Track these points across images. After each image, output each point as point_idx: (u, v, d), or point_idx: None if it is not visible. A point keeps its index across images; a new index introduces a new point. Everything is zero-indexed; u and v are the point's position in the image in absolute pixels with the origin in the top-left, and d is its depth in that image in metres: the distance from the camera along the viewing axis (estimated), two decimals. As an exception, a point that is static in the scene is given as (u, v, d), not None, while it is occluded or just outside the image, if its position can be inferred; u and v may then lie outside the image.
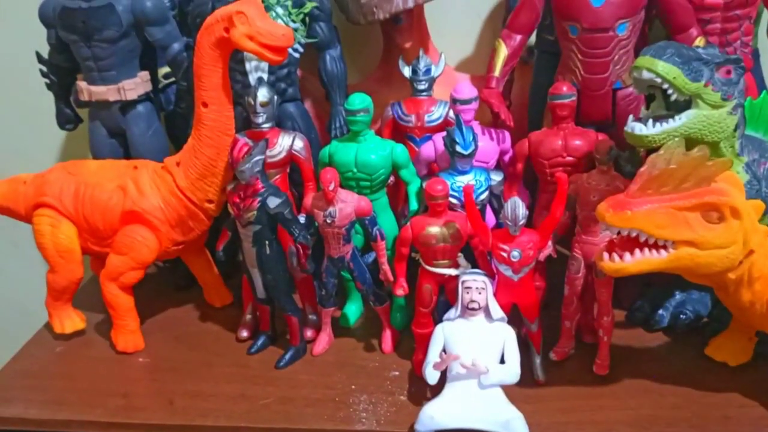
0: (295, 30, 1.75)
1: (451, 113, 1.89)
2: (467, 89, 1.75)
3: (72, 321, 1.88)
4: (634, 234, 1.29)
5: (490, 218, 1.75)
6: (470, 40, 2.29)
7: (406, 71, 1.93)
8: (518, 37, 1.78)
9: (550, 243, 1.65)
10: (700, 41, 1.69)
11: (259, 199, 1.62)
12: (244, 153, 1.60)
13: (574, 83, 1.73)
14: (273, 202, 1.62)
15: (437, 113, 1.92)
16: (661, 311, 1.78)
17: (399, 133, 1.96)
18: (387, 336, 1.79)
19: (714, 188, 1.29)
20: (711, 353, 1.65)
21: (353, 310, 1.91)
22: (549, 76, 1.91)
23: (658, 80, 1.38)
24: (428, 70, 1.92)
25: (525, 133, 1.86)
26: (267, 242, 1.67)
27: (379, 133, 1.97)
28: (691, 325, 1.75)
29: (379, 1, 1.82)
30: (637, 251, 1.31)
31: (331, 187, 1.59)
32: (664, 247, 1.30)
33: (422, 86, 1.92)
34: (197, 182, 1.73)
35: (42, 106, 2.17)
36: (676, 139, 1.34)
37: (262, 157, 1.62)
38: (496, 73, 1.77)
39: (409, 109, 1.93)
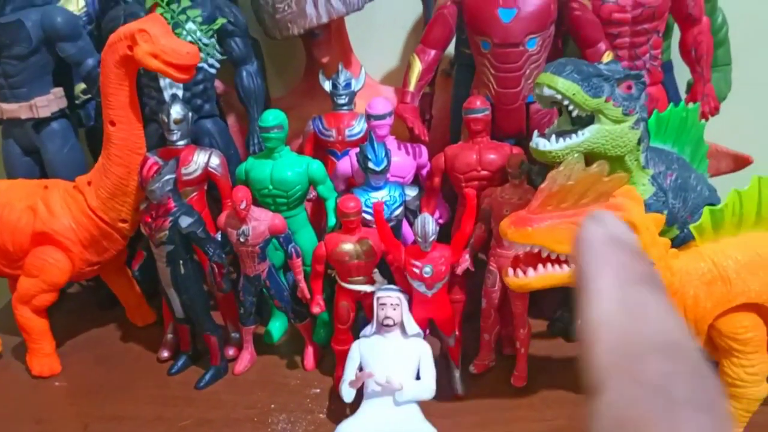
0: (207, 46, 1.73)
1: (373, 127, 1.90)
2: (381, 104, 1.75)
3: (-15, 345, 1.83)
4: (536, 250, 1.30)
5: (408, 233, 1.76)
6: (395, 53, 2.30)
7: (327, 85, 1.93)
8: (432, 52, 1.78)
9: (466, 256, 1.66)
10: (608, 55, 1.72)
11: (170, 218, 1.60)
12: (153, 172, 1.58)
13: (488, 97, 1.75)
14: (185, 221, 1.60)
15: (358, 127, 1.91)
16: (580, 321, 1.80)
17: (320, 147, 1.96)
18: (309, 353, 1.78)
19: (611, 203, 1.31)
20: (625, 362, 1.67)
21: (277, 326, 1.90)
22: (468, 90, 1.93)
23: (558, 96, 1.40)
24: (348, 84, 1.92)
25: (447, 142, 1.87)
26: (181, 262, 1.65)
27: (300, 148, 1.96)
28: (608, 334, 1.77)
29: (292, 17, 1.81)
30: (540, 266, 1.32)
31: (243, 206, 1.58)
32: (566, 261, 1.32)
33: (342, 100, 1.92)
34: (108, 202, 1.69)
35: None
36: (576, 155, 1.36)
37: (173, 176, 1.59)
38: (411, 88, 1.78)
39: (330, 123, 1.92)
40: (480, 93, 1.77)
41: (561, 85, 1.39)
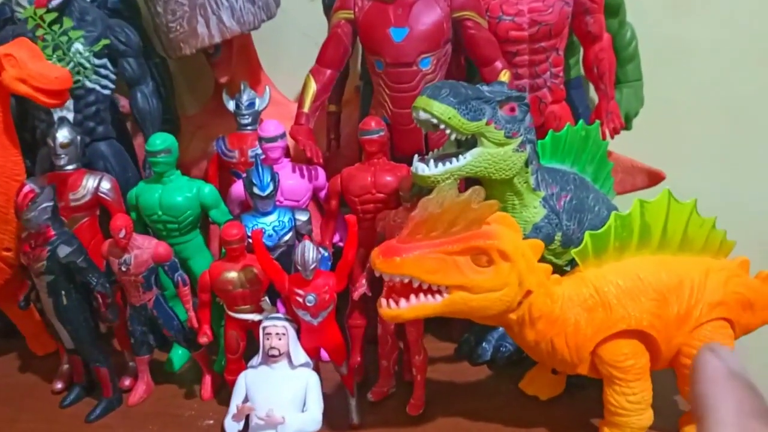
0: (90, 68, 1.66)
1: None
2: (272, 127, 1.71)
3: None
4: (406, 280, 1.26)
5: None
6: (307, 69, 2.25)
7: (230, 105, 1.89)
8: (327, 72, 1.74)
9: (363, 281, 1.61)
10: (505, 74, 1.69)
11: (48, 248, 1.54)
12: (28, 200, 1.52)
13: (385, 118, 1.71)
14: (63, 250, 1.54)
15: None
16: (484, 344, 1.77)
17: (224, 168, 1.91)
18: (207, 382, 1.72)
19: (483, 231, 1.27)
20: (524, 387, 1.64)
21: (179, 354, 1.84)
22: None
23: (434, 120, 1.36)
24: (252, 104, 1.88)
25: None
26: (63, 292, 1.59)
27: (206, 169, 1.91)
28: (512, 358, 1.74)
29: (184, 36, 1.76)
30: (412, 296, 1.28)
31: (122, 235, 1.52)
32: (439, 291, 1.27)
33: (246, 120, 1.88)
34: (-10, 231, 1.63)
35: None
36: (449, 181, 1.32)
37: (51, 203, 1.53)
38: (305, 108, 1.73)
39: (233, 144, 1.88)
40: (377, 113, 1.73)
41: (437, 108, 1.35)
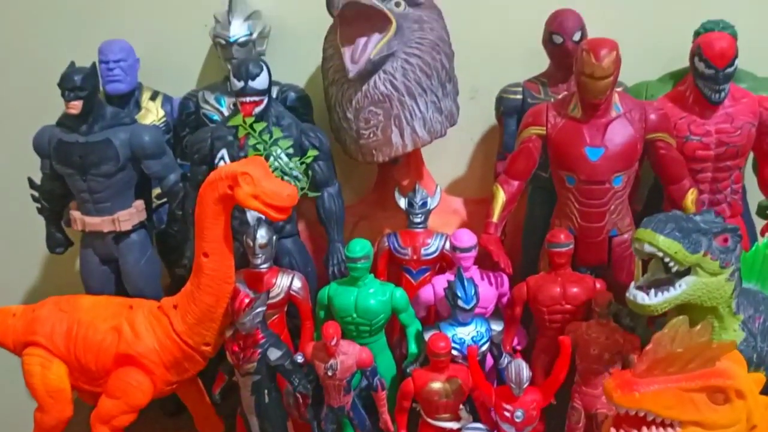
0: (297, 179, 1.75)
1: (447, 245, 1.91)
2: (467, 237, 1.77)
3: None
4: (641, 413, 1.30)
5: (490, 364, 1.75)
6: (463, 162, 2.33)
7: (402, 203, 1.95)
8: (515, 183, 1.80)
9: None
10: (692, 193, 1.74)
11: (259, 350, 1.61)
12: (245, 305, 1.59)
13: (571, 230, 1.76)
14: (274, 354, 1.61)
15: (434, 246, 1.93)
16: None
17: (395, 264, 1.97)
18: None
19: (720, 370, 1.30)
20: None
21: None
22: (543, 210, 1.95)
23: (660, 254, 1.41)
24: (424, 203, 1.94)
25: (519, 262, 1.87)
26: (266, 391, 1.65)
27: (375, 263, 1.97)
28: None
29: (377, 144, 1.84)
30: (644, 428, 1.32)
31: (333, 342, 1.59)
32: (672, 425, 1.31)
33: (418, 219, 1.94)
34: (195, 327, 1.70)
35: (32, 227, 2.14)
36: (680, 317, 1.36)
37: (264, 308, 1.61)
38: (494, 218, 1.79)
39: (405, 241, 1.94)
40: (562, 224, 1.78)
41: (663, 243, 1.40)
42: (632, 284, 1.48)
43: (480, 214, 2.15)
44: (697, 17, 2.02)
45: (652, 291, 1.45)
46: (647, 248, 1.42)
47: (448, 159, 2.27)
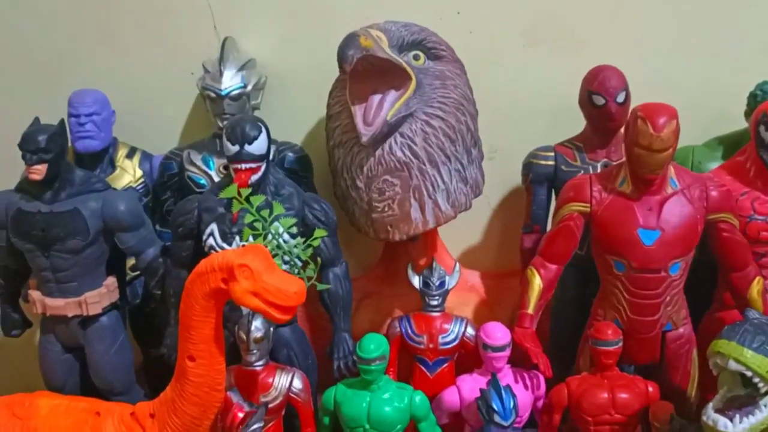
0: (290, 247, 1.47)
1: (468, 331, 1.67)
2: (500, 333, 1.53)
3: None
4: None
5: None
6: (478, 230, 2.08)
7: (416, 282, 1.72)
8: (553, 267, 1.56)
9: None
10: (758, 283, 1.52)
11: (253, 467, 1.33)
12: (239, 420, 1.33)
13: (617, 322, 1.52)
14: (270, 476, 1.34)
15: (453, 333, 1.69)
16: None
17: (406, 352, 1.71)
18: None
19: None
20: None
21: None
22: (577, 292, 1.74)
23: (749, 374, 1.17)
24: (442, 283, 1.71)
25: (545, 348, 1.63)
26: None
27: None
28: None
29: (394, 220, 1.59)
30: None
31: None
32: None
33: (435, 301, 1.71)
34: (175, 443, 1.42)
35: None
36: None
37: (261, 425, 1.34)
38: (530, 309, 1.54)
39: (420, 327, 1.70)
40: (607, 316, 1.54)
41: (752, 359, 1.17)
42: (709, 406, 1.25)
43: (500, 290, 1.93)
44: (744, 74, 1.83)
45: (737, 416, 1.20)
46: (732, 365, 1.18)
47: (461, 226, 1.99)
